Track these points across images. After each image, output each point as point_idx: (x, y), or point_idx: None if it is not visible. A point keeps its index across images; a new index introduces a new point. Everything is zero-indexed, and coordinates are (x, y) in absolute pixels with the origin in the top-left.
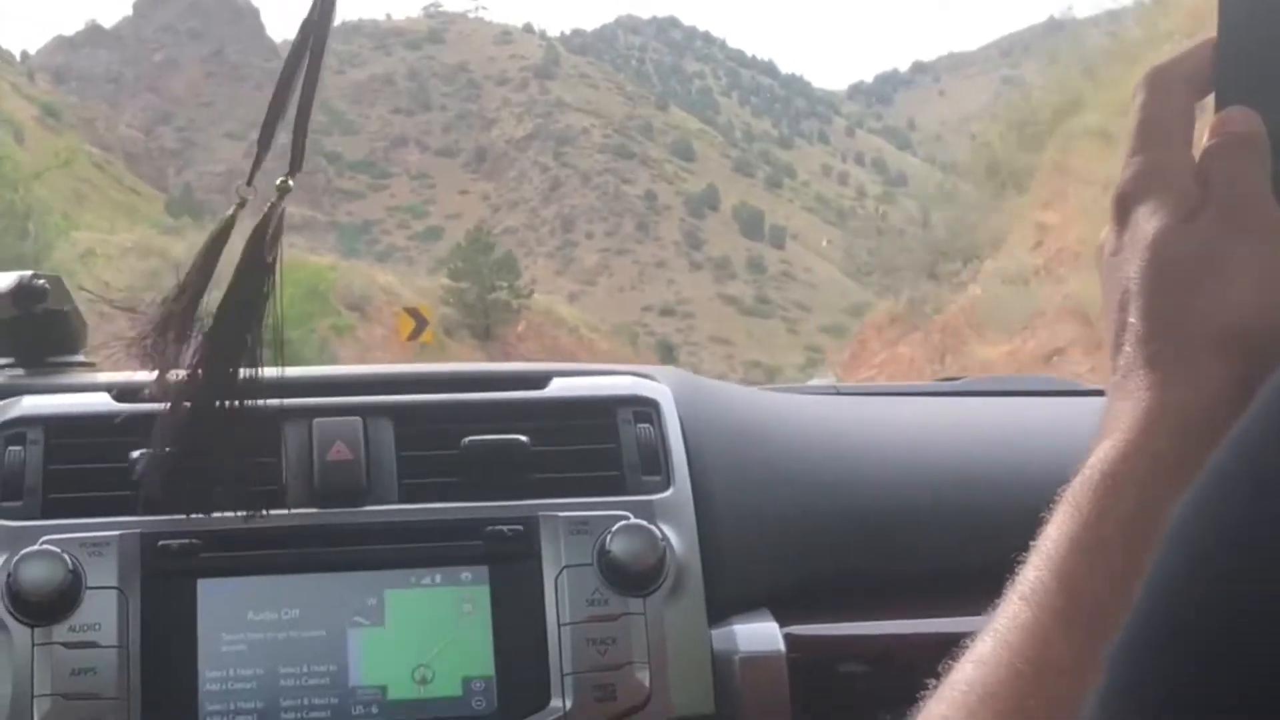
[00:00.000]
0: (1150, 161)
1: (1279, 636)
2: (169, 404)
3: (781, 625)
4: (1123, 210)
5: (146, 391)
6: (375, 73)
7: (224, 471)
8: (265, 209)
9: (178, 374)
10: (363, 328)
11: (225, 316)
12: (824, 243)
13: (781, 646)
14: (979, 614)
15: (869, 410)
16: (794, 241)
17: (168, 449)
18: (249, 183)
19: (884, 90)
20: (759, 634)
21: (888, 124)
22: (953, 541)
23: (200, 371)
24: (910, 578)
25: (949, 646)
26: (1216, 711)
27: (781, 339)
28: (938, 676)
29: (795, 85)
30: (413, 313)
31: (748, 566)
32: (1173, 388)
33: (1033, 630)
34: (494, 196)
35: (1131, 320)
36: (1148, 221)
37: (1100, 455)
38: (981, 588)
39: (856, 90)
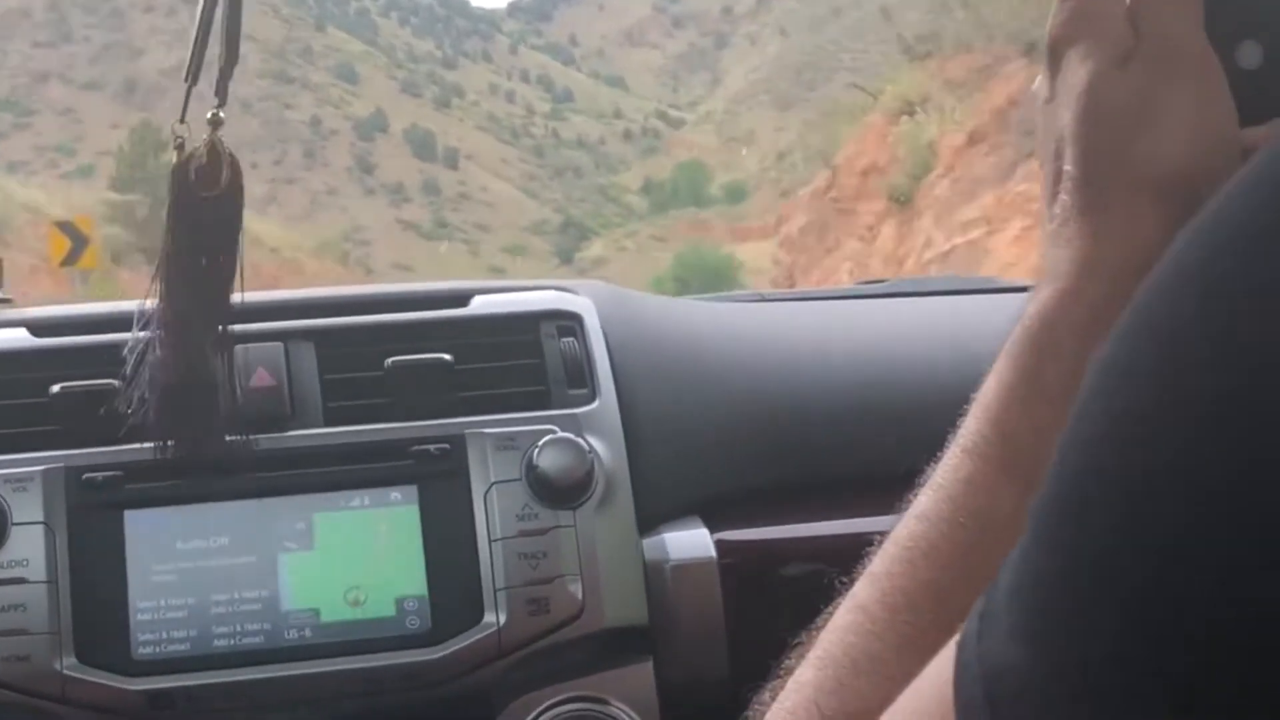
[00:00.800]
0: (1082, 5)
1: (1192, 483)
2: (152, 336)
3: (712, 532)
4: (1055, 56)
5: (137, 322)
6: (10, 6)
7: (198, 401)
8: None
9: (153, 306)
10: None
11: (176, 251)
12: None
13: (713, 552)
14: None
15: (794, 316)
16: (469, 161)
17: (154, 379)
18: (181, 120)
19: (543, 7)
20: (689, 541)
21: (549, 40)
22: (883, 444)
23: (171, 303)
24: (842, 482)
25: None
26: (1137, 562)
27: (463, 261)
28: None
29: (454, 5)
30: (66, 229)
31: (677, 476)
32: (1108, 235)
33: (974, 482)
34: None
35: (1067, 168)
36: (1080, 67)
37: (1038, 305)
38: (913, 488)
39: (516, 8)
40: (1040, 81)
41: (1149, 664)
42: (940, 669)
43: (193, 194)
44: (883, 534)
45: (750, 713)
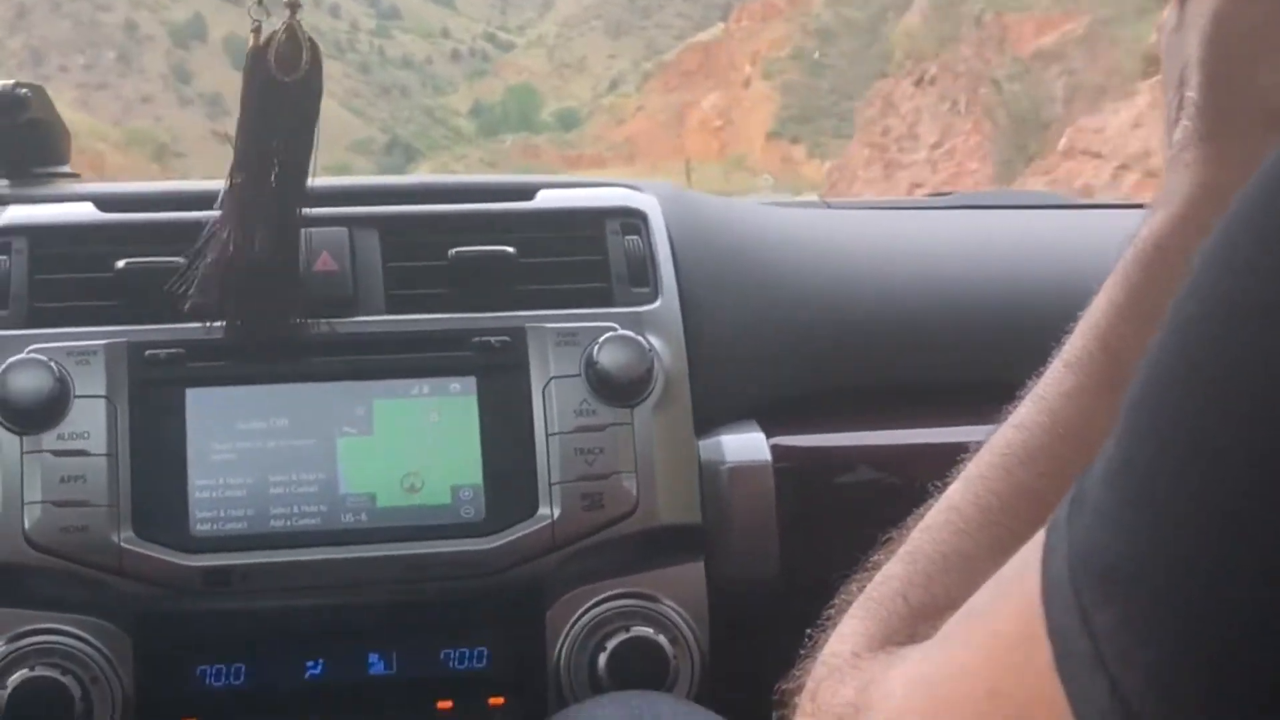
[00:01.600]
0: None
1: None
2: (225, 216)
3: (768, 436)
4: None
5: (219, 201)
6: None
7: (266, 283)
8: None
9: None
10: None
11: (253, 134)
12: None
13: (768, 456)
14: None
15: (860, 224)
16: None
17: (212, 253)
18: (259, 2)
19: None
20: (746, 444)
21: None
22: (945, 355)
23: (246, 185)
24: (900, 391)
25: (939, 457)
26: (1233, 452)
27: None
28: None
29: None
30: None
31: (736, 378)
32: (1227, 162)
33: (1076, 396)
34: None
35: (1190, 94)
36: None
37: (1151, 227)
38: (974, 401)
39: None
40: (1170, 10)
41: (1232, 545)
42: (1027, 556)
43: (271, 78)
44: (938, 445)
45: (836, 604)
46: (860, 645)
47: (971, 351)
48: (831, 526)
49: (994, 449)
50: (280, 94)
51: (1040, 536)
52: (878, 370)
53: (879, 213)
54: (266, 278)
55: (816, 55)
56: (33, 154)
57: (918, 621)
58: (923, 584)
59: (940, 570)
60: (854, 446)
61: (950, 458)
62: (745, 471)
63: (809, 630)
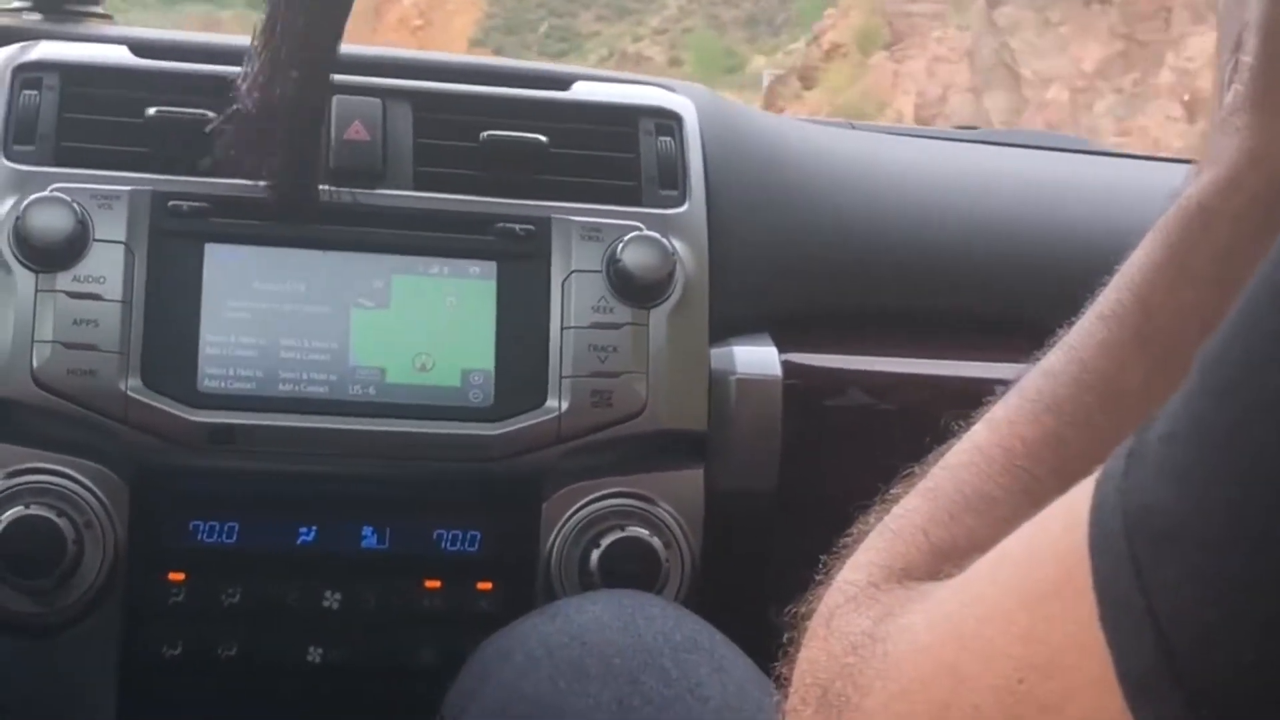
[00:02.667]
0: None
1: None
2: (256, 73)
3: (781, 352)
4: None
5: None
6: None
7: (295, 143)
8: None
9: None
10: None
11: None
12: None
13: (778, 371)
14: (984, 359)
15: (885, 148)
16: None
17: (241, 109)
18: None
19: None
20: (757, 356)
21: None
22: (963, 287)
23: (277, 43)
24: (919, 317)
25: (948, 389)
26: None
27: None
28: (935, 418)
29: None
30: None
31: (754, 290)
32: (1276, 132)
33: (1108, 348)
34: None
35: (1244, 58)
36: None
37: (1196, 188)
38: (987, 337)
39: None
40: None
41: None
42: (1072, 505)
43: None
44: (949, 378)
45: (853, 532)
46: (878, 576)
47: (990, 286)
48: (834, 448)
49: (1022, 394)
50: None
51: (1086, 486)
52: (895, 295)
53: (904, 139)
54: (295, 138)
55: None
56: None
57: (939, 559)
58: (945, 522)
59: (962, 510)
60: (864, 371)
61: (959, 391)
62: (754, 384)
63: (821, 556)
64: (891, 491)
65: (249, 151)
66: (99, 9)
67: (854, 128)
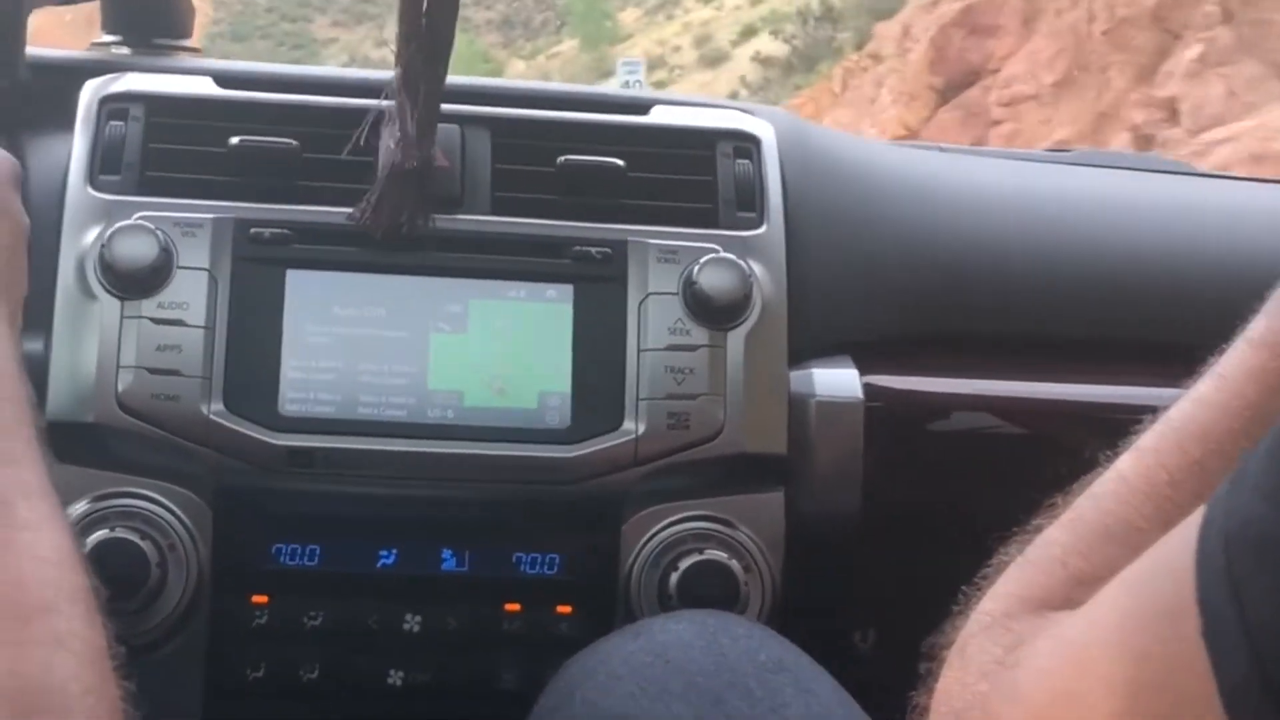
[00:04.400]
0: None
1: None
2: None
3: (862, 374)
4: None
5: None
6: None
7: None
8: None
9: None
10: None
11: (414, 27)
12: None
13: (859, 394)
14: (1076, 382)
15: (979, 170)
16: None
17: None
18: None
19: None
20: (838, 379)
21: None
22: (1053, 310)
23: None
24: (1003, 340)
25: (1037, 411)
26: None
27: None
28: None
29: None
30: None
31: (835, 312)
32: None
33: (1257, 376)
34: None
35: None
36: None
37: None
38: (1080, 359)
39: None
40: None
41: None
42: (1186, 529)
43: None
44: (1037, 400)
45: (994, 562)
46: (1014, 607)
47: (1082, 309)
48: (919, 472)
49: (1169, 422)
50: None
51: (1200, 510)
52: (981, 319)
53: (995, 161)
54: (410, 171)
55: None
56: (155, 25)
57: (1075, 588)
58: (1084, 551)
59: (1102, 540)
60: (950, 394)
61: (1051, 413)
62: (835, 407)
63: (906, 578)
64: (1034, 523)
65: (380, 186)
66: (188, 43)
67: (943, 150)
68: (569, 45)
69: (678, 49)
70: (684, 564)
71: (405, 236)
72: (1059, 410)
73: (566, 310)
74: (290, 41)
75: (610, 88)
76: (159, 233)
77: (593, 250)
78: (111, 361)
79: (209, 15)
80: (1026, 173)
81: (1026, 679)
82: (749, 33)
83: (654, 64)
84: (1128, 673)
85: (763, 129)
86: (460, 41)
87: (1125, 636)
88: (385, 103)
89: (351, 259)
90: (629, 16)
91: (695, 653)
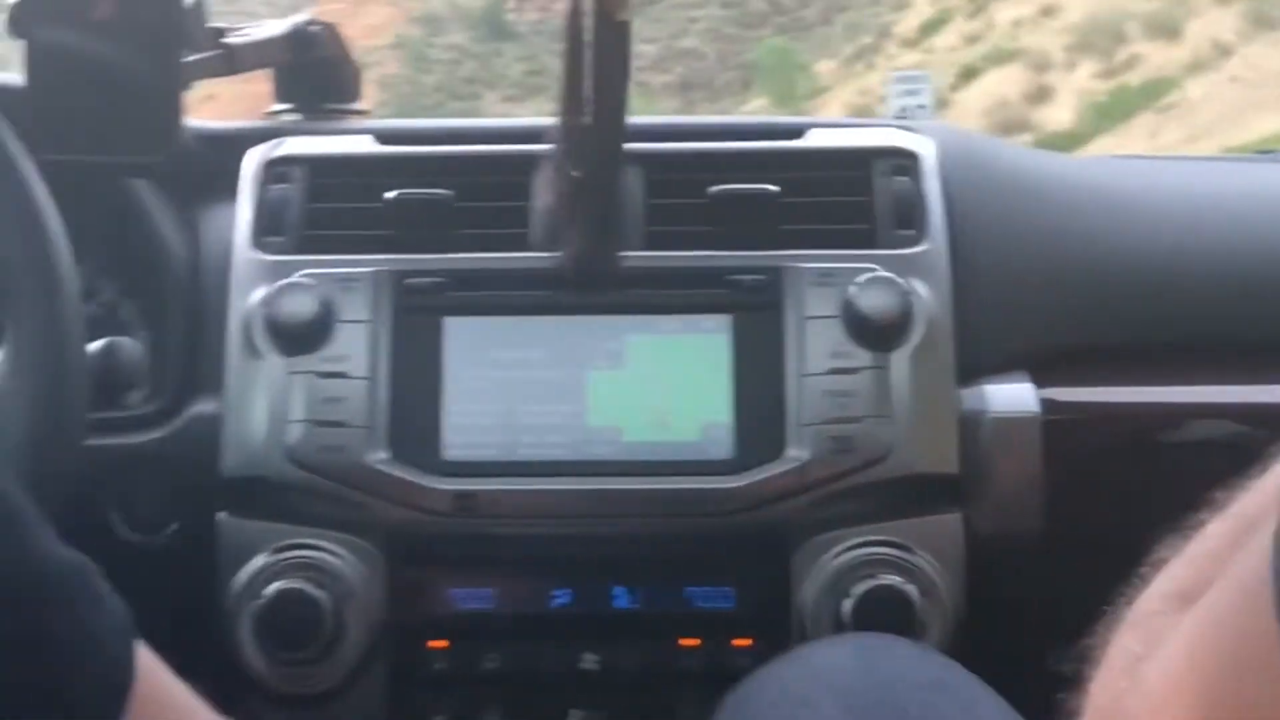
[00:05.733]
0: None
1: None
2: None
3: (1039, 388)
4: None
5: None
6: None
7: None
8: None
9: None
10: None
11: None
12: None
13: (1036, 408)
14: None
15: (1153, 175)
16: None
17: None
18: None
19: None
20: (1012, 394)
21: None
22: (1238, 311)
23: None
24: (1187, 348)
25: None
26: None
27: None
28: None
29: None
30: None
31: (1005, 327)
32: None
33: None
34: None
35: None
36: None
37: None
38: (1260, 364)
39: None
40: None
41: None
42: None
43: (607, 15)
44: (1222, 406)
45: (1152, 559)
46: (1165, 604)
47: (1265, 313)
48: (1106, 485)
49: None
50: (611, 31)
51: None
52: (1160, 326)
53: (1176, 164)
54: (594, 208)
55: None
56: (323, 90)
57: None
58: (1241, 546)
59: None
60: (1135, 404)
61: (1242, 418)
62: (1010, 422)
63: (1095, 596)
64: (1196, 519)
65: (553, 223)
66: (356, 106)
67: (1114, 157)
68: (756, 104)
69: (884, 99)
70: (857, 590)
71: (593, 275)
72: (1248, 416)
73: (724, 340)
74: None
75: (760, 117)
76: (319, 289)
77: (748, 278)
78: (280, 417)
79: (375, 98)
80: (1220, 174)
81: (1158, 679)
82: (969, 74)
83: (860, 115)
84: (1225, 662)
85: (922, 145)
86: (637, 106)
87: (1239, 637)
88: (542, 147)
89: (507, 303)
90: (823, 69)
91: (850, 675)
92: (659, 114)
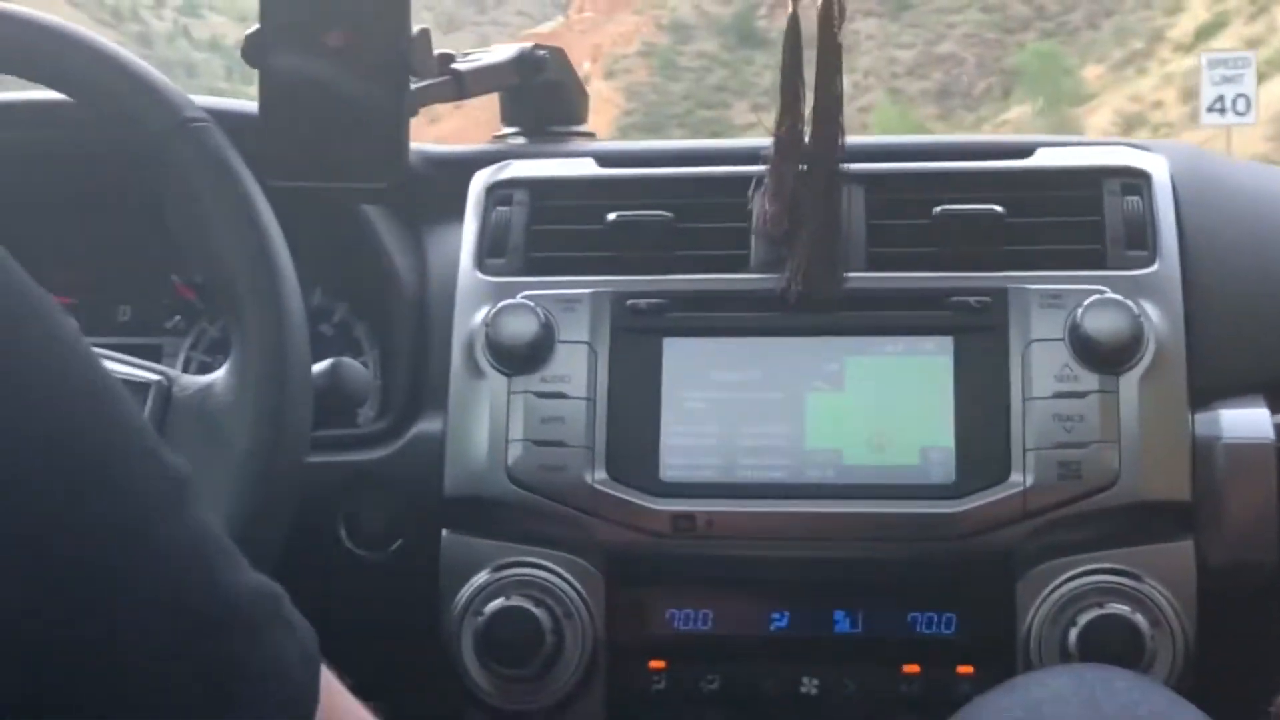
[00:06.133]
0: None
1: None
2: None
3: (1275, 413)
4: None
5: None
6: None
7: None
8: None
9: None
10: None
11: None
12: None
13: (1272, 436)
14: None
15: None
16: None
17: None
18: None
19: None
20: (1248, 420)
21: None
22: None
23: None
24: None
25: None
26: None
27: None
28: None
29: None
30: None
31: (1242, 351)
32: None
33: None
34: None
35: None
36: None
37: None
38: None
39: None
40: None
41: None
42: None
43: (830, 31)
44: None
45: None
46: None
47: None
48: None
49: None
50: (830, 52)
51: None
52: None
53: None
54: (818, 230)
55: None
56: (549, 113)
57: None
58: None
59: None
60: None
61: None
62: (1245, 449)
63: None
64: None
65: (777, 247)
66: (582, 128)
67: None
68: (1017, 112)
69: (1159, 104)
70: (1084, 619)
71: (815, 297)
72: None
73: (947, 362)
74: (707, 129)
75: (991, 135)
76: (539, 310)
77: (972, 300)
78: (501, 436)
79: (621, 106)
80: None
81: None
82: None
83: (1132, 122)
84: None
85: (1154, 164)
86: (892, 114)
87: None
88: (758, 168)
89: (726, 324)
90: (1090, 74)
91: (1070, 708)
92: (915, 121)
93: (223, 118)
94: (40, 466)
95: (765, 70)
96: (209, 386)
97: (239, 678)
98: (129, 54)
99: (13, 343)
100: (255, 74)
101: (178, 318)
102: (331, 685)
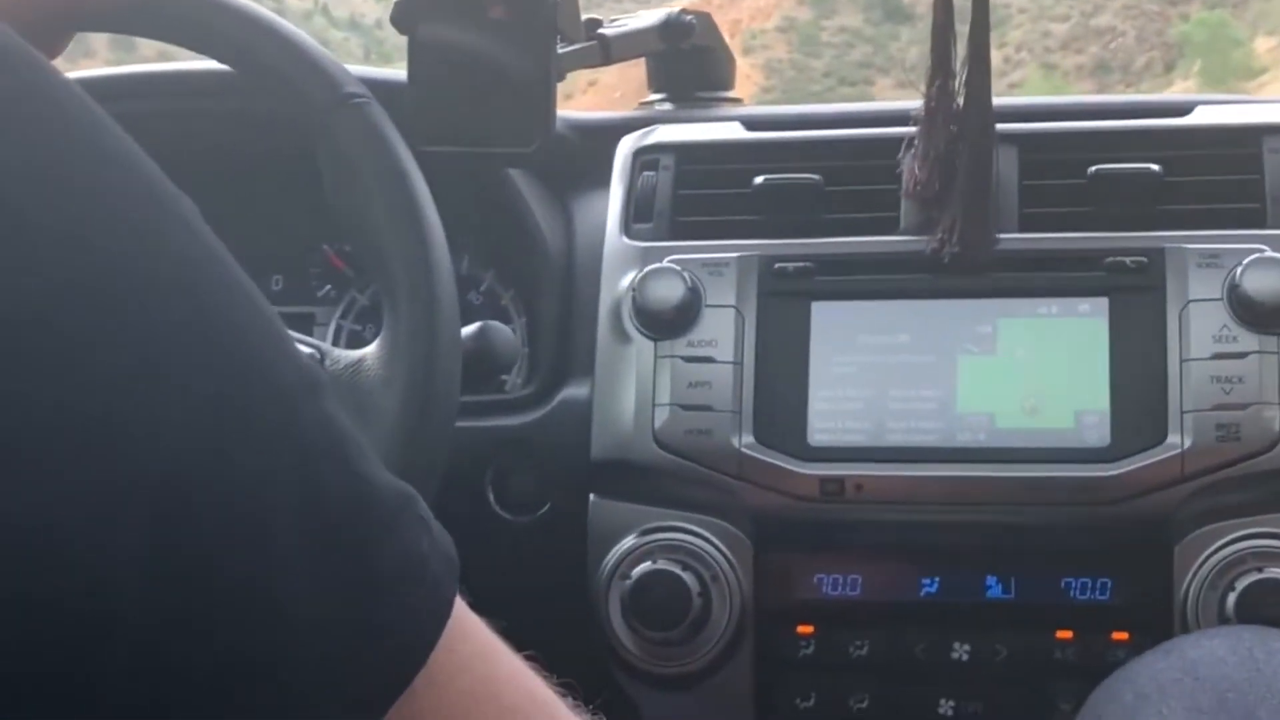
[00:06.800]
0: None
1: None
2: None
3: None
4: None
5: (914, 115)
6: None
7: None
8: None
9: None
10: None
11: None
12: None
13: None
14: None
15: None
16: None
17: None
18: None
19: None
20: None
21: None
22: None
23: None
24: None
25: None
26: None
27: None
28: None
29: None
30: None
31: None
32: None
33: None
34: None
35: None
36: None
37: None
38: None
39: None
40: None
41: None
42: None
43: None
44: None
45: None
46: None
47: None
48: None
49: None
50: (980, 9)
51: None
52: None
53: None
54: (972, 190)
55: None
56: (696, 78)
57: None
58: None
59: None
60: None
61: None
62: None
63: None
64: None
65: (928, 209)
66: (729, 94)
67: None
68: (1180, 86)
69: None
70: (1242, 584)
71: (967, 259)
72: None
73: (1102, 324)
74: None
75: (1150, 95)
76: (686, 274)
77: (1127, 260)
78: (648, 400)
79: (759, 84)
80: None
81: None
82: None
83: None
84: None
85: None
86: (1047, 88)
87: None
88: (908, 130)
89: (876, 287)
90: (1261, 46)
91: (1227, 668)
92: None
93: (373, 87)
94: (188, 355)
95: (911, 46)
96: (360, 361)
97: (377, 572)
98: (291, 27)
99: (158, 242)
100: (392, 55)
101: (329, 287)
102: (459, 600)
